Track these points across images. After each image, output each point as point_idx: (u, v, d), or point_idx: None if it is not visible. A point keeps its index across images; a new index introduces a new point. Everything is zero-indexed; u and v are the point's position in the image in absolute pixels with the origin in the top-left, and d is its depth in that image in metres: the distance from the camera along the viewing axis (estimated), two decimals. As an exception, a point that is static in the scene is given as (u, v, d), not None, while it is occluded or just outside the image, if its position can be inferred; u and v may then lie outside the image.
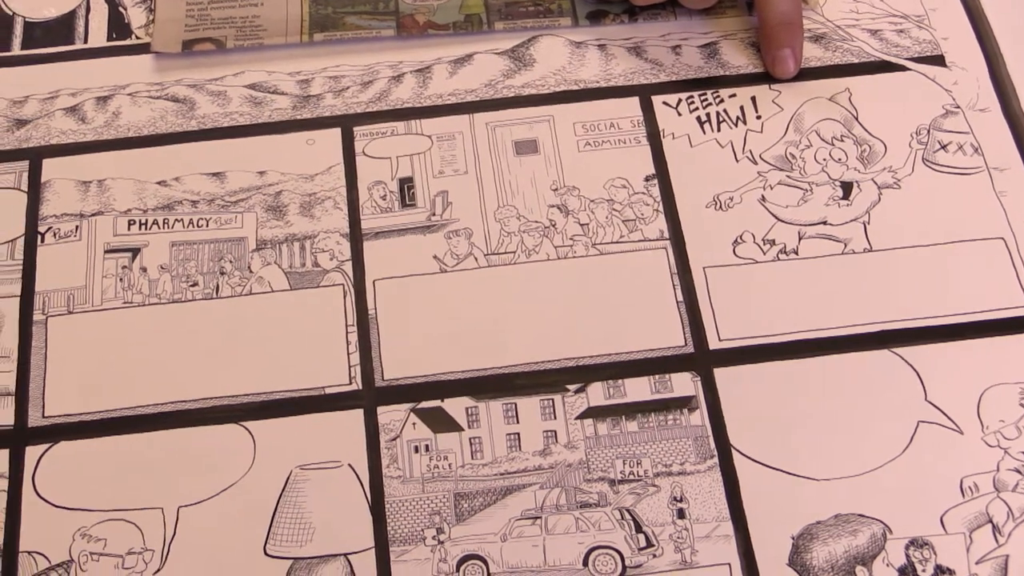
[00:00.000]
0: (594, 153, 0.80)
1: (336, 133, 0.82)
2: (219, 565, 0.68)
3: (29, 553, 0.68)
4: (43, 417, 0.72)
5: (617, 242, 0.77)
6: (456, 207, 0.78)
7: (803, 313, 0.74)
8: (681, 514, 0.69)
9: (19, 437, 0.72)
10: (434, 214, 0.78)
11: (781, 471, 0.70)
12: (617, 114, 0.82)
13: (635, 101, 0.82)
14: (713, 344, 0.74)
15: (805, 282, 0.75)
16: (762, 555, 0.67)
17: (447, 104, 0.83)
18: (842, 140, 0.80)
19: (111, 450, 0.71)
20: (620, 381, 0.72)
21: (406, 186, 0.79)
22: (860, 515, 0.68)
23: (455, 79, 0.84)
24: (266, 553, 0.68)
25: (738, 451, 0.70)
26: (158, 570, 0.68)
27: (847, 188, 0.79)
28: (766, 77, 0.83)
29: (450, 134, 0.81)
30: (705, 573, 0.67)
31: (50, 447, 0.71)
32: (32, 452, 0.71)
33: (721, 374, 0.73)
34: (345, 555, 0.68)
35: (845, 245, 0.77)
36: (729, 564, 0.67)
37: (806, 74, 0.83)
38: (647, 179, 0.79)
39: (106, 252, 0.78)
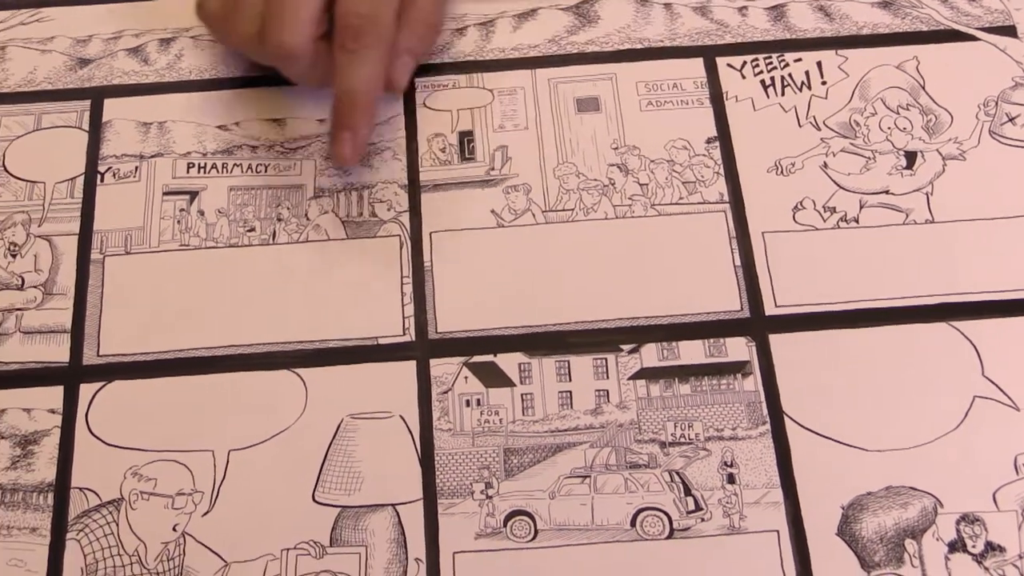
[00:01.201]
0: (656, 113, 0.80)
1: (397, 84, 0.81)
2: (268, 509, 0.68)
3: (80, 489, 0.69)
4: (98, 356, 0.73)
5: (676, 204, 0.76)
6: (515, 162, 0.78)
7: (861, 282, 0.73)
8: (731, 479, 0.68)
9: (74, 374, 0.72)
10: (493, 168, 0.78)
11: (833, 440, 0.69)
12: (681, 74, 0.81)
13: (699, 62, 0.82)
14: (769, 310, 0.73)
15: (865, 251, 0.74)
16: (811, 523, 0.67)
17: (509, 59, 0.82)
18: (908, 109, 0.79)
19: (164, 391, 0.72)
20: (674, 343, 0.72)
21: (466, 139, 0.79)
22: (912, 488, 0.68)
23: (518, 34, 0.83)
24: (315, 500, 0.68)
25: (791, 418, 0.70)
26: (207, 512, 0.68)
27: (911, 158, 0.78)
28: (833, 42, 0.82)
29: (511, 89, 0.81)
30: (753, 539, 0.67)
31: (104, 385, 0.72)
32: (86, 390, 0.72)
33: (776, 340, 0.72)
34: (393, 505, 0.68)
35: (907, 215, 0.76)
36: (777, 531, 0.67)
37: (873, 41, 0.82)
38: (709, 141, 0.79)
39: (164, 194, 0.78)
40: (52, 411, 0.71)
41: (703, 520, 0.67)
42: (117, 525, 0.68)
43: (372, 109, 0.75)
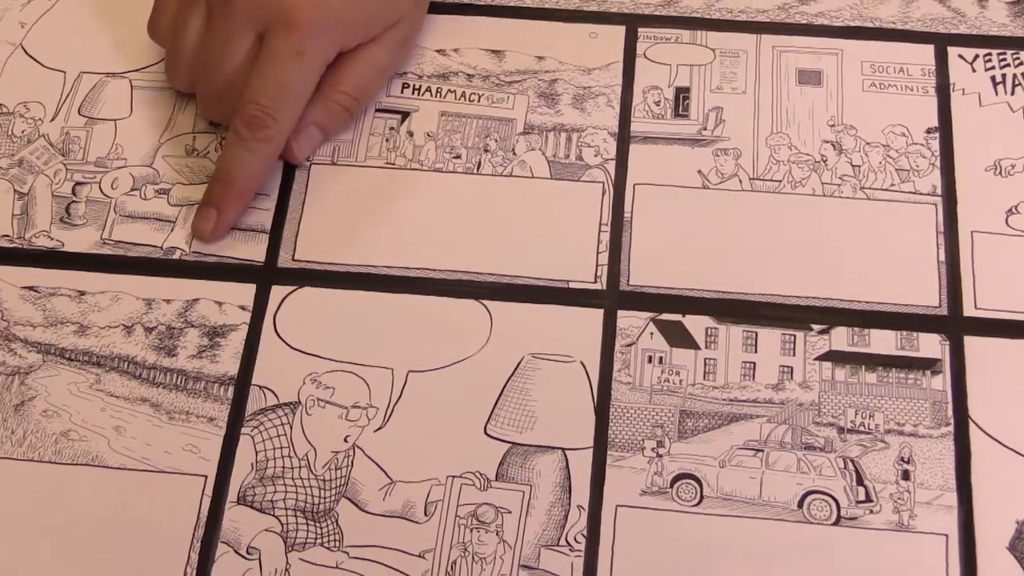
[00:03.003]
0: (878, 95, 0.78)
1: (620, 31, 0.81)
2: (438, 434, 0.69)
3: (260, 387, 0.70)
4: (292, 260, 0.74)
5: (887, 190, 0.75)
6: (728, 125, 0.77)
7: (1069, 297, 0.71)
8: (906, 475, 0.67)
9: (268, 275, 0.73)
10: (705, 128, 0.77)
11: (1018, 453, 0.67)
12: (909, 59, 0.79)
13: (930, 49, 0.80)
14: (968, 311, 0.71)
15: (1077, 266, 0.72)
16: (982, 533, 0.65)
17: (737, 20, 0.81)
18: None
19: (352, 303, 0.72)
20: (866, 330, 0.71)
21: (682, 96, 0.78)
22: (1093, 515, 0.66)
23: (749, -3, 0.82)
24: (486, 433, 0.69)
25: (976, 424, 0.68)
26: (379, 428, 0.69)
27: None
28: (1074, 46, 0.79)
29: (734, 51, 0.80)
30: (920, 539, 0.65)
31: (294, 290, 0.73)
32: (277, 291, 0.73)
33: (972, 343, 0.70)
34: (563, 449, 0.68)
35: None
36: (946, 536, 0.65)
37: (1116, 50, 0.79)
38: (928, 131, 0.77)
39: (376, 111, 0.79)
40: (243, 307, 0.72)
41: (872, 512, 0.66)
42: (291, 427, 0.69)
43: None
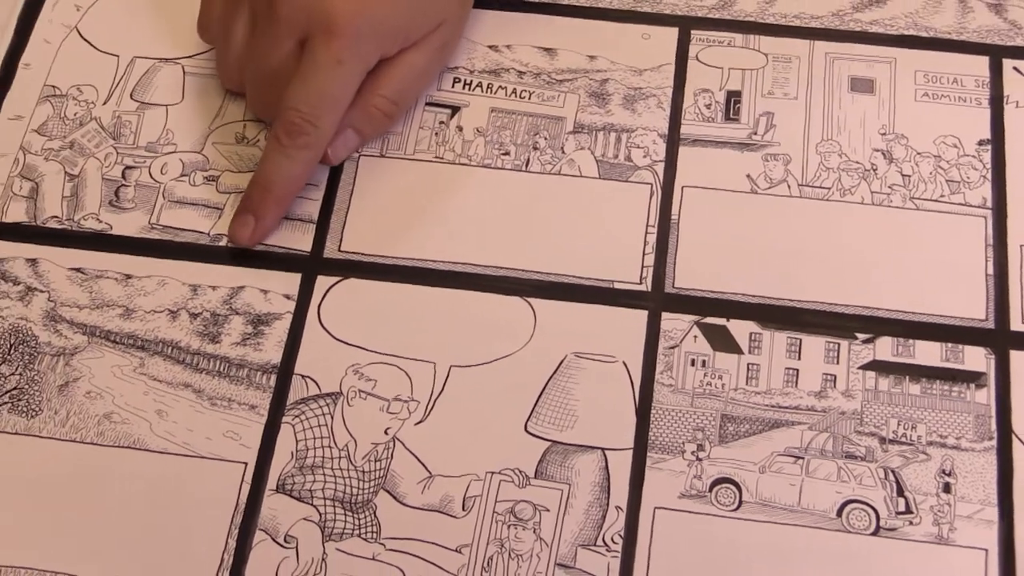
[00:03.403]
0: (930, 105, 0.78)
1: (673, 33, 0.80)
2: (478, 430, 0.69)
3: (302, 377, 0.70)
4: (339, 251, 0.74)
5: (936, 200, 0.74)
6: (779, 131, 0.77)
7: (1119, 316, 0.71)
8: (947, 488, 0.67)
9: (313, 265, 0.74)
10: (755, 133, 0.77)
11: (1061, 470, 0.67)
12: (963, 70, 0.79)
13: (984, 61, 0.79)
14: (1015, 325, 0.71)
15: None
16: (1023, 548, 0.65)
17: (790, 26, 0.80)
18: None
19: (397, 296, 0.72)
20: (911, 341, 0.70)
21: (733, 99, 0.78)
22: None
23: (803, 2, 0.81)
24: (526, 430, 0.69)
25: (1019, 439, 0.68)
26: (420, 421, 0.69)
27: None
28: None
29: (787, 56, 0.79)
30: (960, 553, 0.65)
31: (339, 281, 0.73)
32: (323, 282, 0.73)
33: (1018, 357, 0.70)
34: (603, 449, 0.68)
35: None
36: (986, 550, 0.65)
37: None
38: (980, 143, 0.76)
39: (427, 104, 0.79)
40: (287, 296, 0.73)
41: (911, 524, 0.66)
42: (332, 418, 0.69)
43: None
